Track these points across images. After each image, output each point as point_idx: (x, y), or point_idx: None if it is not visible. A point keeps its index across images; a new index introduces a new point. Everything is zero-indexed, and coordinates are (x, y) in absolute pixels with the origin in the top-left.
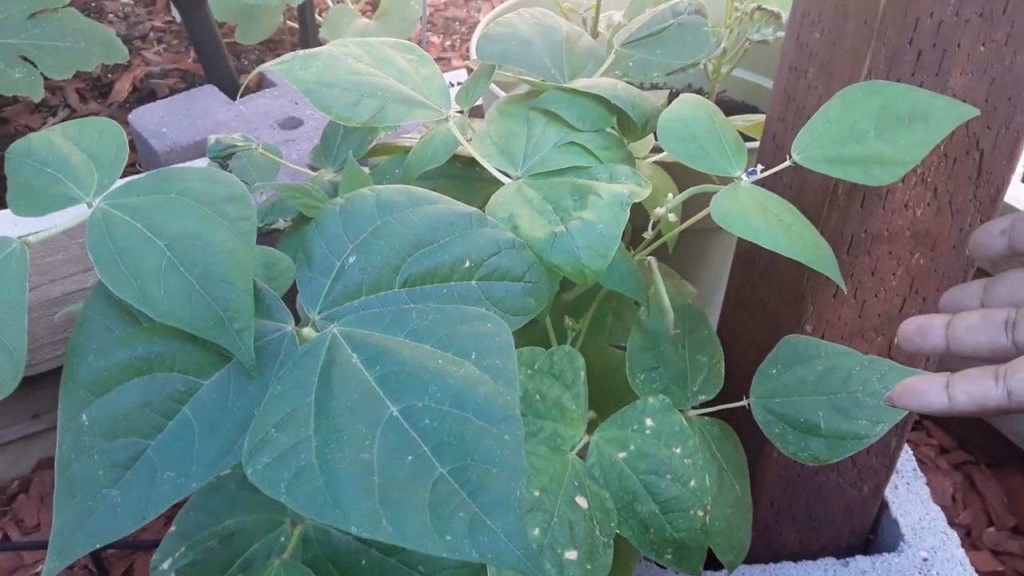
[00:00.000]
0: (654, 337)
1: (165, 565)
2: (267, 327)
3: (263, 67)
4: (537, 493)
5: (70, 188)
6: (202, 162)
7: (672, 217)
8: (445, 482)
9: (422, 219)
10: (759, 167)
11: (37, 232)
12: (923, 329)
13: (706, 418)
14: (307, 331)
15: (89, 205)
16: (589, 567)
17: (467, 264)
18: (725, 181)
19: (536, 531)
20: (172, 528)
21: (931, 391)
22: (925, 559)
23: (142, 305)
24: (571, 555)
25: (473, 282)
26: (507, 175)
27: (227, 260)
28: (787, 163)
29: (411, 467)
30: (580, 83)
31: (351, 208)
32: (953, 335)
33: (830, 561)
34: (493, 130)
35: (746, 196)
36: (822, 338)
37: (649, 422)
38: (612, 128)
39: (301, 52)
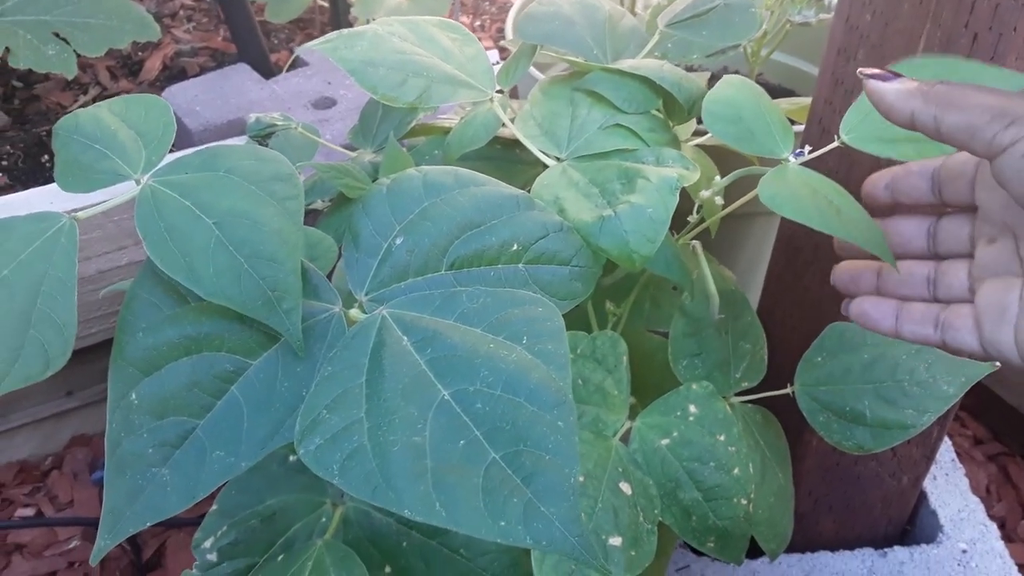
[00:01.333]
0: (697, 323)
1: (207, 544)
2: (314, 308)
3: (306, 46)
4: (581, 478)
5: (118, 165)
6: (237, 141)
7: (718, 200)
8: (498, 467)
9: (469, 201)
10: (807, 148)
11: (84, 208)
12: (855, 278)
13: (748, 405)
14: (354, 312)
15: (137, 182)
16: (633, 553)
17: (515, 247)
18: (770, 164)
19: (581, 516)
20: (214, 507)
21: (883, 321)
22: (964, 551)
23: (191, 283)
24: (615, 541)
25: (520, 265)
26: (551, 157)
27: (275, 239)
28: (835, 143)
29: (463, 451)
30: (625, 64)
31: (398, 189)
32: (884, 287)
33: (868, 551)
34: (537, 111)
35: (795, 178)
36: None
37: (693, 409)
38: (657, 110)
39: (346, 31)
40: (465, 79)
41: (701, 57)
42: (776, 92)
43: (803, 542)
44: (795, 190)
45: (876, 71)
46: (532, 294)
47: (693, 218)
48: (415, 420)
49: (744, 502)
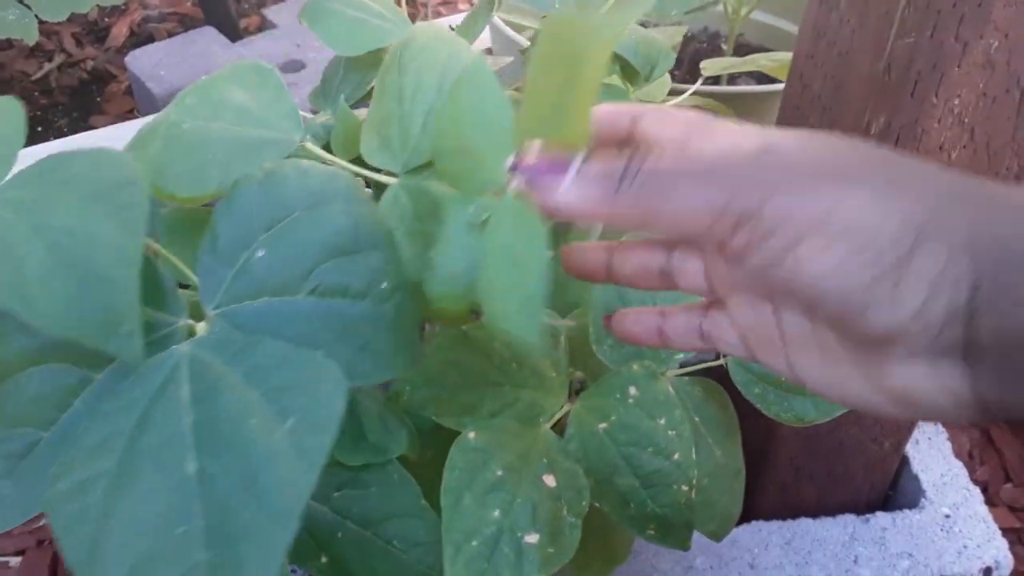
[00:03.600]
0: (621, 296)
1: None
2: (160, 320)
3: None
4: (500, 472)
5: None
6: None
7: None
8: (198, 571)
9: (347, 221)
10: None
11: None
12: (583, 259)
13: (686, 379)
14: (200, 326)
15: None
16: (551, 550)
17: (384, 285)
18: None
19: (496, 512)
20: None
21: (649, 338)
22: (947, 516)
23: (24, 311)
24: (531, 539)
25: (388, 305)
26: (391, 173)
27: (110, 257)
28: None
29: (178, 541)
30: None
31: (270, 188)
32: (616, 265)
33: (850, 518)
34: (375, 113)
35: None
36: None
37: (633, 391)
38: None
39: (146, 127)
40: (267, 136)
41: (680, 13)
42: (757, 52)
43: (785, 510)
44: None
45: (530, 160)
46: (329, 365)
47: None
48: (154, 489)
49: (685, 488)
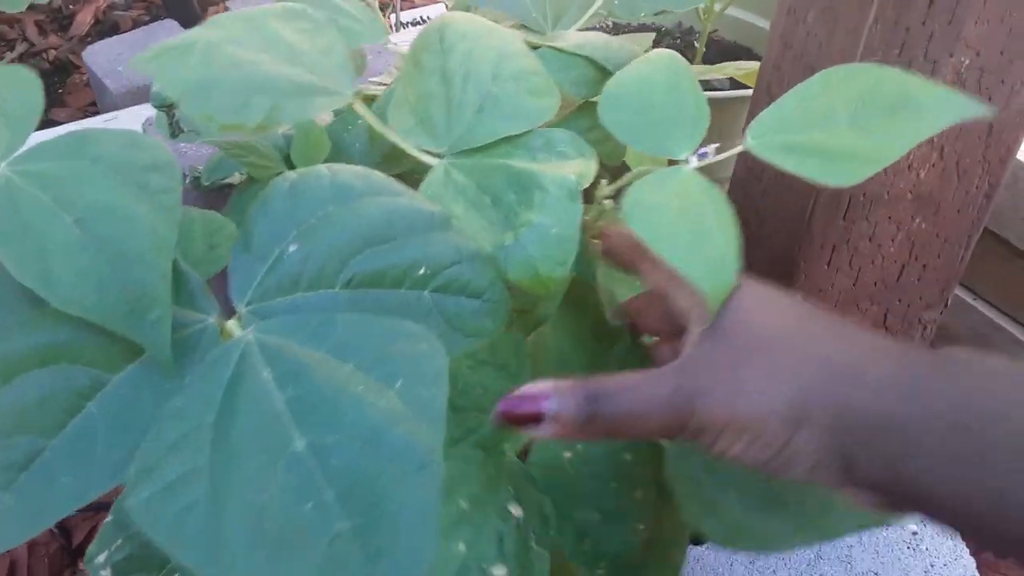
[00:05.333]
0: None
1: (100, 558)
2: (187, 318)
3: (131, 63)
4: (465, 505)
5: None
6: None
7: (608, 203)
8: (345, 540)
9: (380, 212)
10: (713, 147)
11: None
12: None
13: None
14: (231, 324)
15: None
16: None
17: (422, 271)
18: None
19: (461, 546)
20: (109, 517)
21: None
22: (914, 533)
23: (45, 291)
24: (500, 572)
25: (426, 292)
26: (431, 154)
27: (146, 238)
28: (737, 148)
29: (310, 516)
30: (570, 41)
31: (303, 186)
32: None
33: None
34: (411, 92)
35: (677, 186)
36: None
37: None
38: None
39: (171, 42)
40: (318, 83)
41: (650, 14)
42: (732, 50)
43: None
44: (664, 203)
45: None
46: (416, 327)
47: (591, 214)
48: (262, 473)
49: (642, 527)
